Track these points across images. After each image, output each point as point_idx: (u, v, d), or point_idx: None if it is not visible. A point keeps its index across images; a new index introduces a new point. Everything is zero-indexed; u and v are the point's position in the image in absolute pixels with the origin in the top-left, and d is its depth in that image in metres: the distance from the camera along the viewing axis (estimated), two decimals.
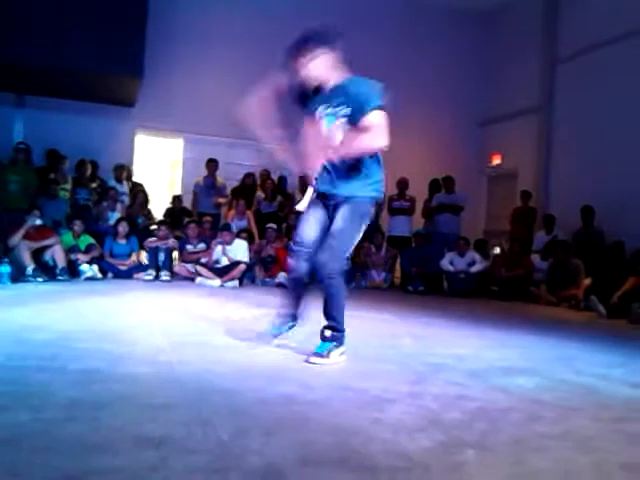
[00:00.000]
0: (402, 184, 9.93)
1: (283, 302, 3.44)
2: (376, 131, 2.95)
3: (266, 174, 10.21)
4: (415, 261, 9.11)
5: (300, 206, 3.26)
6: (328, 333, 3.13)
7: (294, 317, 3.42)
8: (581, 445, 1.96)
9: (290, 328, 3.43)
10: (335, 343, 3.11)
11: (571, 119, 10.47)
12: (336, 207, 3.18)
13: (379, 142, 2.97)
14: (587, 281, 7.55)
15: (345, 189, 3.14)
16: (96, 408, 2.04)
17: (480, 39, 12.47)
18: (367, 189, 3.16)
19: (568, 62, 10.64)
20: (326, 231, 3.17)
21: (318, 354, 3.07)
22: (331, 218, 3.19)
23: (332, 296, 3.12)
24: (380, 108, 2.98)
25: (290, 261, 3.35)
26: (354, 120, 3.02)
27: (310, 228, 3.25)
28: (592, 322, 6.34)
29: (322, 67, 3.10)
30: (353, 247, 3.21)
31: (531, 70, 11.31)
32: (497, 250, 10.28)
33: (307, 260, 3.21)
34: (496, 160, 12.35)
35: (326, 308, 3.16)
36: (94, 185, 9.31)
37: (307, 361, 3.04)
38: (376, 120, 2.96)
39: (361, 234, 3.18)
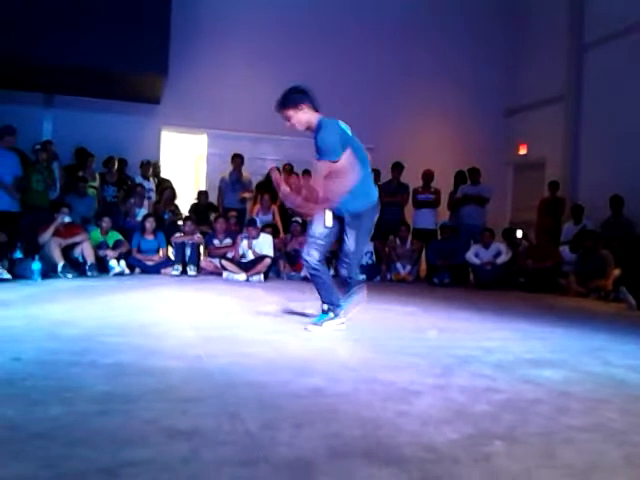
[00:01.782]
0: (427, 176, 9.88)
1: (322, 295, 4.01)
2: (335, 177, 3.61)
3: (289, 168, 10.22)
4: (441, 253, 9.07)
5: (328, 223, 3.84)
6: (325, 307, 3.89)
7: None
8: (610, 438, 1.94)
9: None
10: (331, 315, 3.83)
11: (599, 107, 10.31)
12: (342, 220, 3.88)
13: (339, 185, 3.62)
14: (616, 272, 7.45)
15: (343, 206, 3.77)
16: (127, 401, 2.08)
17: (505, 26, 12.30)
18: (357, 202, 3.78)
19: (595, 48, 10.47)
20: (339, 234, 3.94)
21: (315, 323, 3.81)
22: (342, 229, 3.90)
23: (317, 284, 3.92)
24: (334, 157, 3.63)
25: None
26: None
27: (320, 226, 3.87)
28: (622, 313, 6.25)
29: (297, 121, 3.77)
30: (365, 248, 4.16)
31: (558, 57, 11.15)
32: (519, 234, 10.14)
33: (321, 251, 3.90)
34: (522, 150, 12.21)
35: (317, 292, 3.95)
36: (126, 185, 9.42)
37: (305, 329, 3.75)
38: (327, 168, 3.63)
39: (368, 234, 4.03)
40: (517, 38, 12.28)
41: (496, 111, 12.30)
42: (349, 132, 3.79)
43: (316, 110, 3.79)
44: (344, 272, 3.92)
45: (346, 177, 3.59)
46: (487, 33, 12.14)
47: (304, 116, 3.73)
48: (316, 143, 3.69)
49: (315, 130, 3.73)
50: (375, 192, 3.92)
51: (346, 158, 3.62)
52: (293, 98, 3.73)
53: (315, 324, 3.79)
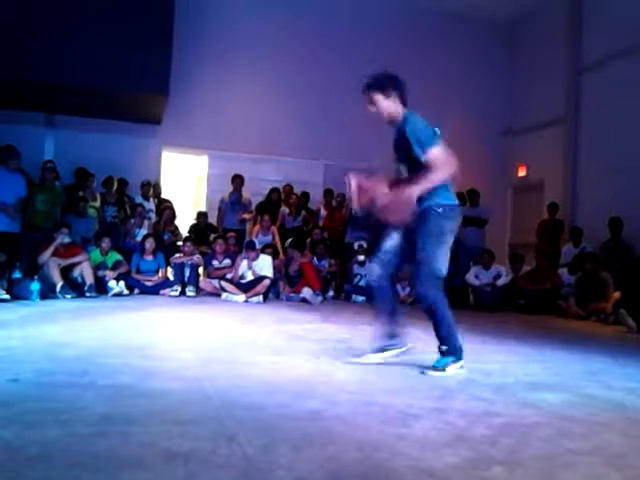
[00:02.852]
0: None
1: (378, 319, 3.56)
2: (439, 165, 3.20)
3: (289, 189, 10.26)
4: None
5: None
6: (443, 348, 3.36)
7: (393, 336, 3.53)
8: (611, 461, 1.93)
9: (393, 348, 3.54)
10: (452, 358, 3.33)
11: (598, 129, 10.37)
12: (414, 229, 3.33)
13: (444, 173, 3.24)
14: (616, 294, 7.44)
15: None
16: (125, 423, 2.07)
17: (504, 49, 12.45)
18: (432, 200, 3.31)
19: (593, 71, 10.54)
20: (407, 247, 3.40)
21: (435, 368, 3.30)
22: (411, 240, 3.37)
23: (435, 321, 3.35)
24: (434, 145, 3.24)
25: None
26: (411, 157, 3.30)
27: (391, 239, 3.46)
28: (621, 336, 6.23)
29: (382, 109, 3.44)
30: (444, 262, 3.31)
31: (556, 80, 11.23)
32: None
33: (382, 265, 3.45)
34: (522, 172, 12.26)
35: (435, 331, 3.39)
36: (126, 205, 9.44)
37: (423, 373, 3.29)
38: (435, 156, 3.21)
39: (447, 245, 3.34)
40: (516, 60, 12.40)
41: (495, 133, 12.37)
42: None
43: (404, 104, 3.47)
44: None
45: (443, 167, 3.22)
46: (487, 55, 12.26)
47: (391, 106, 3.43)
48: (404, 138, 3.32)
49: (400, 124, 3.40)
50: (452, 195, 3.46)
51: (441, 148, 3.26)
52: (382, 83, 3.47)
53: (436, 368, 3.31)
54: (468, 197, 10.03)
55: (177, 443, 1.87)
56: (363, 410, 2.42)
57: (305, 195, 10.42)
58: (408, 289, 9.12)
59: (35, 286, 6.46)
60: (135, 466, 1.66)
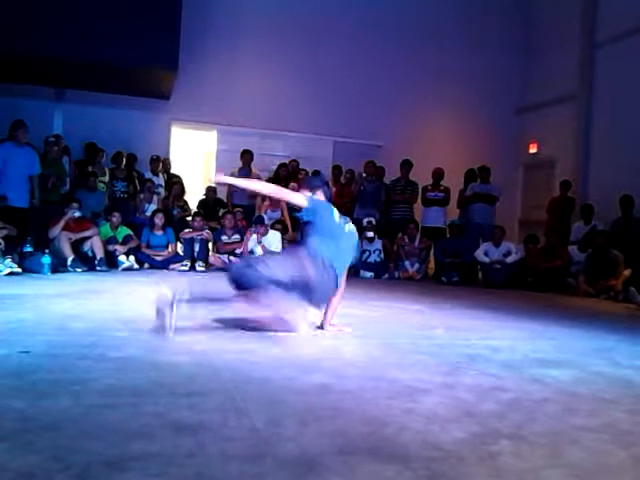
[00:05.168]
0: (437, 174, 9.84)
1: None
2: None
3: (295, 164, 10.22)
4: (449, 252, 9.03)
5: None
6: None
7: None
8: (618, 438, 1.94)
9: None
10: None
11: (610, 106, 10.23)
12: None
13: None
14: (626, 272, 7.41)
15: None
16: (134, 395, 2.09)
17: (516, 25, 12.25)
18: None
19: (608, 47, 10.38)
20: None
21: None
22: None
23: None
24: None
25: None
26: None
27: None
28: (631, 314, 6.21)
29: None
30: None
31: (569, 56, 11.06)
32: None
33: None
34: (533, 149, 12.15)
35: None
36: (136, 180, 9.45)
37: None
38: None
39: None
40: (529, 36, 12.21)
41: (507, 109, 12.24)
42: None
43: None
44: None
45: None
46: (499, 31, 12.08)
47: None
48: None
49: None
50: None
51: None
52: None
53: None
54: (479, 174, 9.97)
55: (186, 415, 1.89)
56: (371, 385, 2.43)
57: (316, 173, 10.38)
58: (417, 265, 9.14)
59: (46, 260, 6.50)
60: (144, 437, 1.68)
